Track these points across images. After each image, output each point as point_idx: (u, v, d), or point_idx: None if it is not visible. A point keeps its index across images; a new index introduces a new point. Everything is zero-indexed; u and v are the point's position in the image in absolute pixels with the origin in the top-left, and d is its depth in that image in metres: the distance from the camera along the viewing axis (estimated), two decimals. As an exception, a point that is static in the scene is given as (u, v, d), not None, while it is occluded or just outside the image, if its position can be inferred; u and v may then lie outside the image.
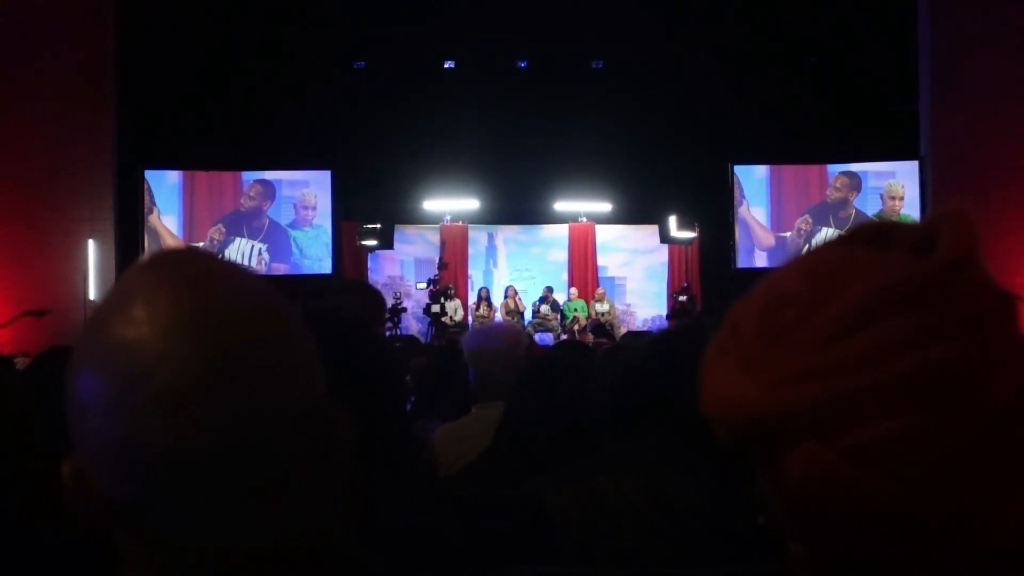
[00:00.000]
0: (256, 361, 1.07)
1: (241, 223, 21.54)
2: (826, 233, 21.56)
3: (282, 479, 1.08)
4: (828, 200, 21.67)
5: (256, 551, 1.10)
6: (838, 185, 21.65)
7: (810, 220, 21.64)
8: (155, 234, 21.13)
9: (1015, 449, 0.98)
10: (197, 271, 1.13)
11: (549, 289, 22.57)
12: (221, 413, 1.04)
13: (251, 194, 21.76)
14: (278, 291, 1.17)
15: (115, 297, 1.13)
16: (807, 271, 1.04)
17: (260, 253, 21.23)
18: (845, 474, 0.98)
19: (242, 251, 21.19)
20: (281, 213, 21.70)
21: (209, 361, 1.05)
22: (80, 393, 1.09)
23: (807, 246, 20.80)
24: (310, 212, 21.72)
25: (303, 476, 1.10)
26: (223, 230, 21.44)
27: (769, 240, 21.83)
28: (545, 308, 22.17)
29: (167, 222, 21.39)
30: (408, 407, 6.18)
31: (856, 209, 21.46)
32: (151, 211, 21.15)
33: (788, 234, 21.74)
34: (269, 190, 21.79)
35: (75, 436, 1.10)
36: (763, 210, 21.94)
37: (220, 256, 1.20)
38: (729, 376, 1.04)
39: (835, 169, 21.63)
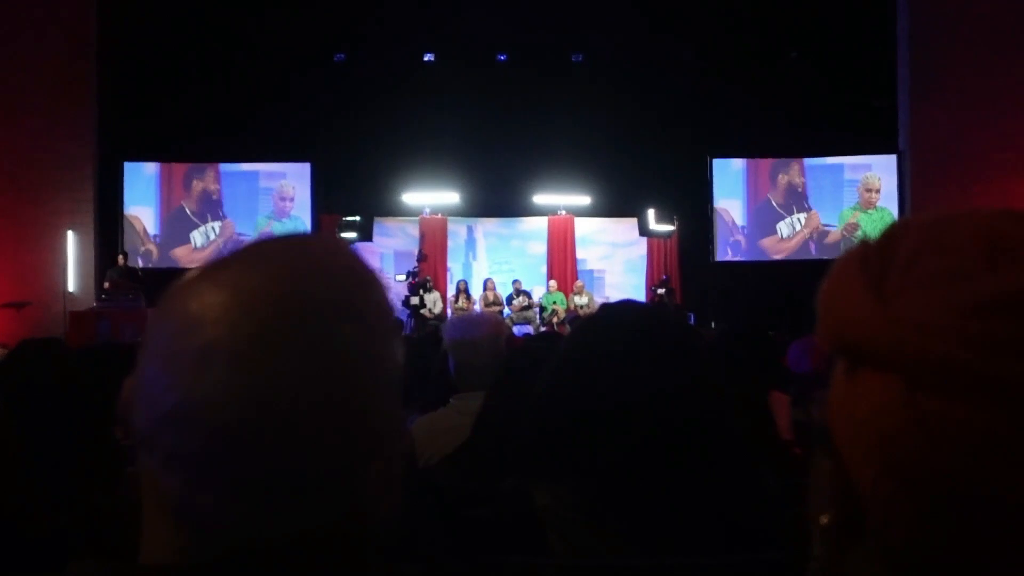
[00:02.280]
0: (303, 359, 1.07)
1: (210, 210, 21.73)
2: (794, 219, 21.73)
3: (295, 470, 1.08)
4: (798, 190, 21.86)
5: (255, 534, 1.09)
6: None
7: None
8: (132, 228, 21.17)
9: None
10: (295, 257, 1.15)
11: (517, 282, 22.59)
12: (253, 384, 1.05)
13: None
14: (376, 293, 1.19)
15: (211, 264, 1.16)
16: (982, 233, 1.00)
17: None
18: (911, 428, 0.96)
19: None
20: (259, 204, 21.72)
21: (260, 340, 1.07)
22: (148, 334, 1.13)
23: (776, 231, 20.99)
24: (288, 203, 21.78)
25: (321, 476, 1.10)
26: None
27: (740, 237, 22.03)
28: (519, 300, 22.18)
29: (143, 214, 21.41)
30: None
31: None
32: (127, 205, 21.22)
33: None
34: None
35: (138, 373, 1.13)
36: (739, 203, 22.06)
37: (338, 244, 1.21)
38: (858, 288, 1.03)
39: (812, 162, 21.78)
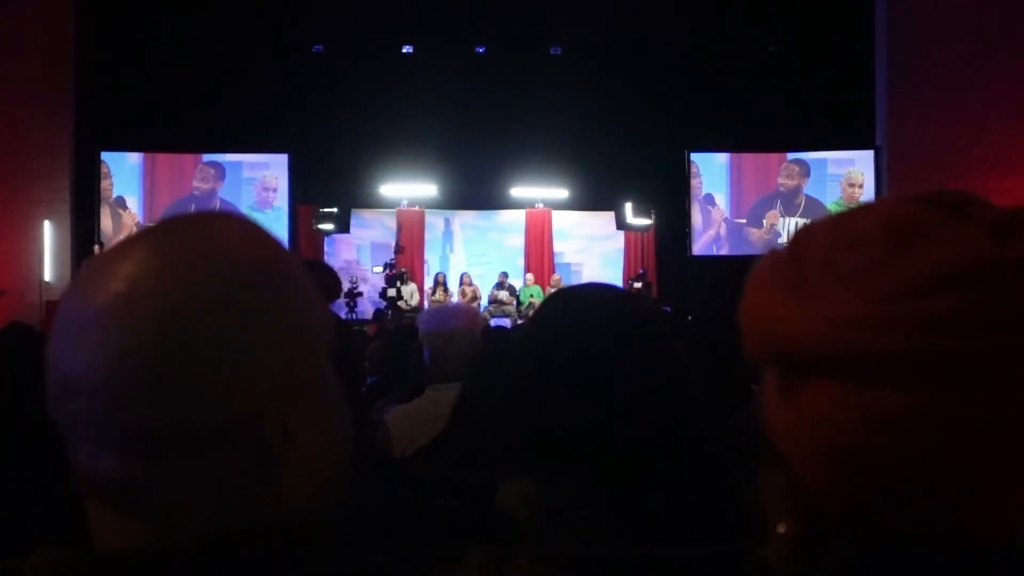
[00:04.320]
0: (176, 317, 1.08)
1: (194, 209, 21.51)
2: (787, 223, 21.73)
3: (182, 434, 1.08)
4: (783, 189, 21.82)
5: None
6: (789, 172, 21.84)
7: (778, 215, 21.81)
8: (118, 215, 21.10)
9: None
10: (184, 235, 1.16)
11: (504, 275, 22.57)
12: (119, 342, 1.07)
13: (203, 176, 21.79)
14: (280, 266, 1.19)
15: (110, 248, 1.17)
16: (886, 221, 1.02)
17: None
18: (859, 425, 0.98)
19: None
20: (241, 195, 21.67)
21: (131, 300, 1.08)
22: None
23: (777, 240, 21.06)
24: (271, 194, 21.74)
25: (215, 444, 1.10)
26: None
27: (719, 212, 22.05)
28: (502, 294, 22.18)
29: (128, 203, 21.34)
30: (365, 389, 6.18)
31: (806, 196, 21.65)
32: (109, 194, 21.11)
33: (743, 220, 21.90)
34: (220, 171, 21.81)
35: None
36: (723, 197, 22.10)
37: (240, 228, 1.20)
38: (779, 296, 1.05)
39: (792, 157, 21.78)
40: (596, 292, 2.33)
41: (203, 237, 1.16)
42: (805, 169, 21.78)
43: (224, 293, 1.11)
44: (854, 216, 1.07)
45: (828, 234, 1.06)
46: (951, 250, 0.97)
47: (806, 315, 1.01)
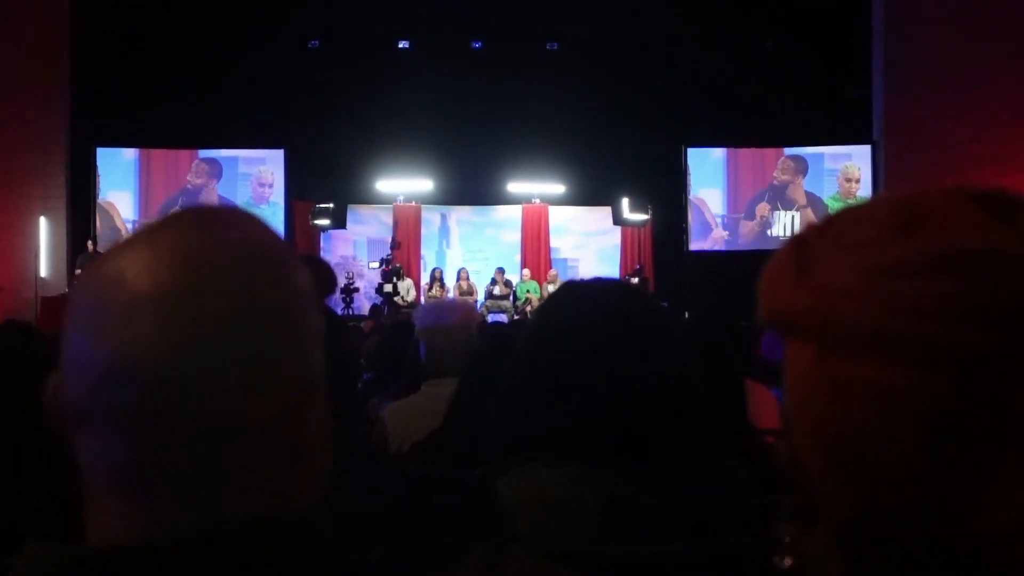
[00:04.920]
0: (224, 309, 1.08)
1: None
2: (781, 216, 21.73)
3: (230, 427, 1.08)
4: (776, 183, 21.82)
5: (198, 513, 1.09)
6: (784, 168, 21.84)
7: (768, 207, 21.80)
8: (106, 214, 21.07)
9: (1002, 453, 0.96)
10: (213, 224, 1.16)
11: (501, 270, 22.54)
12: (181, 330, 1.06)
13: (197, 171, 21.78)
14: (291, 259, 1.19)
15: (128, 237, 1.17)
16: (906, 203, 1.01)
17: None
18: (833, 402, 0.98)
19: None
20: (237, 190, 21.66)
21: (182, 289, 1.07)
22: (69, 309, 1.13)
23: (767, 231, 21.07)
24: (267, 189, 21.75)
25: (256, 437, 1.10)
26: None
27: (719, 231, 22.03)
28: (498, 290, 22.16)
29: (122, 200, 21.31)
30: (361, 386, 6.17)
31: (804, 191, 21.64)
32: (100, 191, 21.07)
33: (739, 216, 21.91)
34: (215, 168, 21.82)
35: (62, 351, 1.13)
36: (719, 192, 22.08)
37: (253, 225, 1.20)
38: (783, 263, 1.05)
39: (790, 153, 21.78)
40: (602, 286, 2.32)
41: (238, 229, 1.16)
42: (802, 165, 21.80)
43: (270, 284, 1.13)
44: (879, 198, 1.06)
45: (846, 213, 1.06)
46: (958, 237, 0.95)
47: (800, 281, 1.01)
